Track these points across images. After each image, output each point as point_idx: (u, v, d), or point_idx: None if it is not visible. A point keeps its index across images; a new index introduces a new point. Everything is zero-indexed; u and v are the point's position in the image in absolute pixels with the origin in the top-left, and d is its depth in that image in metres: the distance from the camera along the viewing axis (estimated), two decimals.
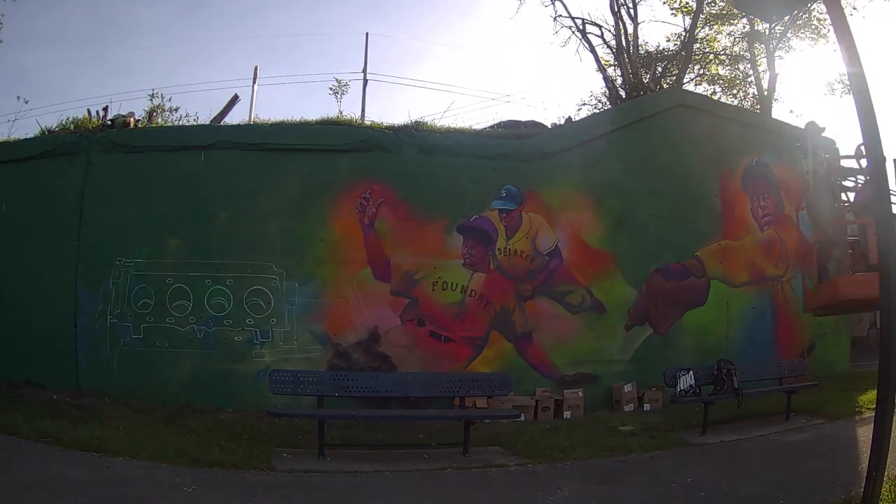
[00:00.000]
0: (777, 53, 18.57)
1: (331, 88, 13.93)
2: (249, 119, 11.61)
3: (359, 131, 10.05)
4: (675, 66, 17.95)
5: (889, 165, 4.76)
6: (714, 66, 20.16)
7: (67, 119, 10.95)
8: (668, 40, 19.40)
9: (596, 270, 10.24)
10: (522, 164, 10.11)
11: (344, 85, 13.88)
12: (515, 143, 10.37)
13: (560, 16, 16.71)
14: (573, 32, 16.80)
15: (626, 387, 9.66)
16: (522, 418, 8.46)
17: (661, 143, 10.91)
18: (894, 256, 4.19)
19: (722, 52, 19.71)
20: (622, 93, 15.18)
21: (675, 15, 18.18)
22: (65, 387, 8.88)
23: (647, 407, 9.60)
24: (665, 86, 16.63)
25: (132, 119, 10.67)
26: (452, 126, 11.03)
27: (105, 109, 11.17)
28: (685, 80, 18.50)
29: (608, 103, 17.21)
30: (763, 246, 11.74)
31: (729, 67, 20.20)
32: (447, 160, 9.89)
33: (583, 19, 16.72)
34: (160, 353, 9.08)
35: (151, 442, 6.68)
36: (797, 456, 6.84)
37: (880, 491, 4.23)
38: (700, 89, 19.60)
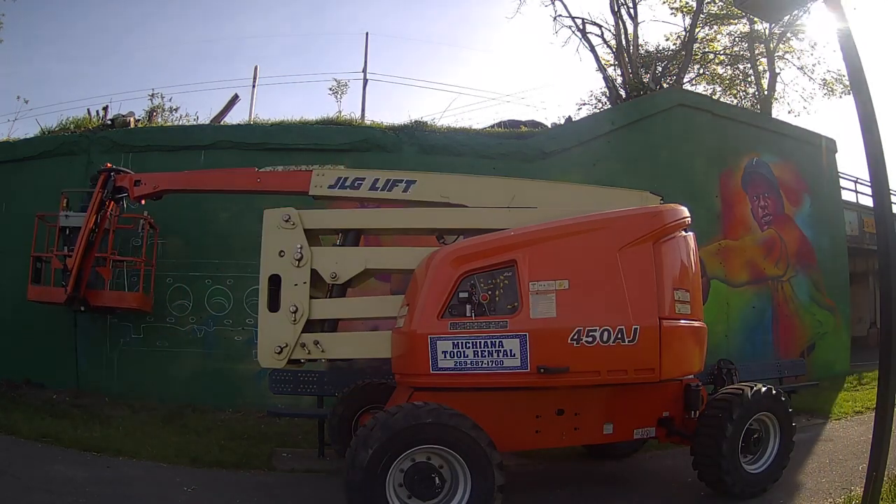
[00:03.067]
0: (777, 53, 18.57)
1: (330, 89, 13.91)
2: (249, 119, 11.62)
3: (359, 131, 10.05)
4: (675, 66, 17.93)
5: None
6: (714, 65, 20.15)
7: (67, 119, 10.99)
8: (668, 40, 19.42)
9: None
10: (522, 164, 10.10)
11: (343, 85, 13.84)
12: (515, 142, 10.37)
13: (560, 16, 16.66)
14: (573, 32, 16.75)
15: None
16: None
17: (661, 142, 10.91)
18: (894, 255, 4.20)
19: (722, 52, 19.70)
20: (622, 93, 15.13)
21: (675, 15, 18.17)
22: (65, 387, 8.90)
23: None
24: (665, 86, 16.60)
25: (132, 119, 10.68)
26: (452, 126, 11.05)
27: (105, 109, 11.18)
28: (685, 80, 18.50)
29: (608, 103, 17.18)
30: (763, 246, 11.74)
31: (729, 67, 20.19)
32: (447, 160, 9.89)
33: (583, 19, 16.66)
34: (160, 353, 9.09)
35: (151, 442, 6.70)
36: (797, 456, 6.83)
37: (880, 491, 4.23)
38: (700, 89, 19.65)
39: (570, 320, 4.48)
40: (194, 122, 11.59)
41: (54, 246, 8.42)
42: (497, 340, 4.46)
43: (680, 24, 18.62)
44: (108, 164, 7.97)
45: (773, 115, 17.26)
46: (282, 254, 5.59)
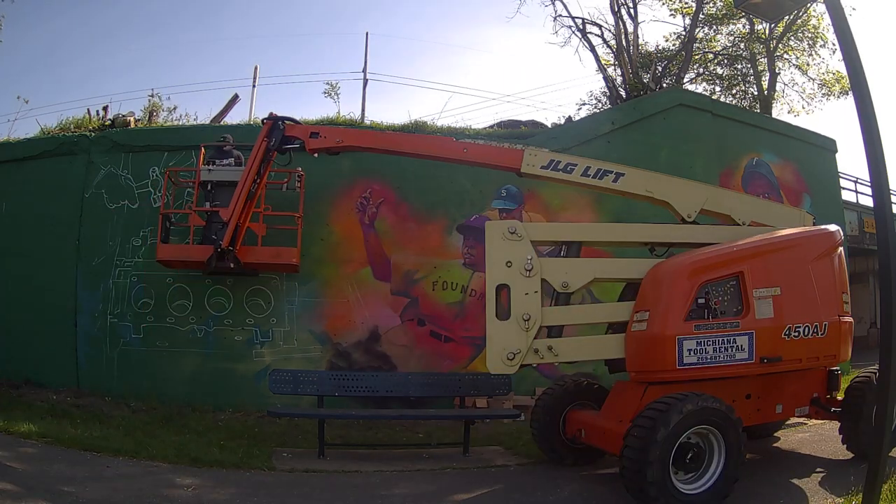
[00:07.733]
0: (777, 53, 18.56)
1: (324, 92, 13.82)
2: (249, 119, 11.60)
3: None
4: (675, 66, 17.91)
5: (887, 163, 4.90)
6: (713, 65, 20.12)
7: (67, 119, 10.99)
8: (668, 40, 19.39)
9: None
10: None
11: (335, 87, 13.71)
12: (515, 142, 10.34)
13: (560, 16, 16.59)
14: (573, 32, 16.69)
15: None
16: (523, 418, 8.45)
17: (661, 142, 10.90)
18: (894, 255, 4.20)
19: (722, 52, 19.67)
20: (622, 93, 15.11)
21: (675, 15, 18.14)
22: (65, 387, 8.90)
23: None
24: (665, 86, 16.59)
25: (132, 119, 10.68)
26: (452, 126, 11.04)
27: (105, 109, 11.18)
28: (685, 80, 18.47)
29: (608, 103, 17.15)
30: None
31: (728, 67, 20.16)
32: None
33: (583, 19, 16.58)
34: (160, 353, 9.09)
35: (151, 441, 6.70)
36: (797, 456, 6.85)
37: (880, 491, 4.23)
38: (700, 89, 19.61)
39: (783, 319, 5.50)
40: (194, 122, 11.59)
41: (192, 202, 8.12)
42: (731, 338, 5.40)
43: (680, 24, 18.63)
44: (273, 112, 7.61)
45: (773, 115, 17.25)
46: (509, 264, 5.78)
